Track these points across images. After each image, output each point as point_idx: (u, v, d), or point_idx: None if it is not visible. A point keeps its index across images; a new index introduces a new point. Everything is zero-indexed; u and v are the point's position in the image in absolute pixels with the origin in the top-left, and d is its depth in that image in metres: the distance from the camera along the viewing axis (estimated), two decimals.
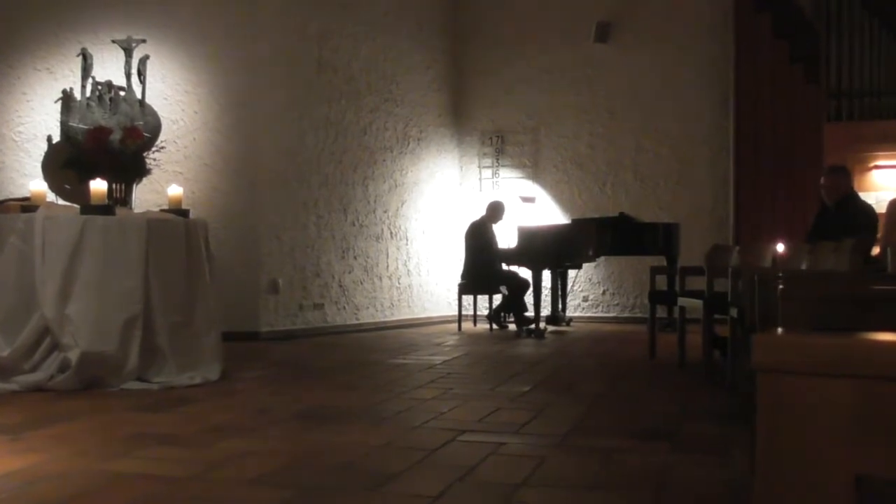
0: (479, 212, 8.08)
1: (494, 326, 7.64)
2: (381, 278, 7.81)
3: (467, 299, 8.46)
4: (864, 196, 5.42)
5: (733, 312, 3.83)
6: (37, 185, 4.29)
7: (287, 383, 4.14)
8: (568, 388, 3.98)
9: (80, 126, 5.55)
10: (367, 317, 7.60)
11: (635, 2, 8.46)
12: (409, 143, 8.33)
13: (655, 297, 5.28)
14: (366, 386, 4.02)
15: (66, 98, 5.66)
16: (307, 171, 6.97)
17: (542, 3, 8.74)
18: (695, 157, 8.24)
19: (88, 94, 5.69)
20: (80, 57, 5.79)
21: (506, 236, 8.22)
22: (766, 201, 7.83)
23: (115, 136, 5.43)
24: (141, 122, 5.72)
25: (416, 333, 7.18)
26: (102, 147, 5.28)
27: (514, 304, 7.53)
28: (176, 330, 4.04)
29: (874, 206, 5.21)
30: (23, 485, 2.17)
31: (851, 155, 7.80)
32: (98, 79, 5.78)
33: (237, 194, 6.48)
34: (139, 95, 5.87)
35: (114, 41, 6.00)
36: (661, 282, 6.06)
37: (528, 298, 7.39)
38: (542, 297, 7.63)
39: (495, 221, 7.81)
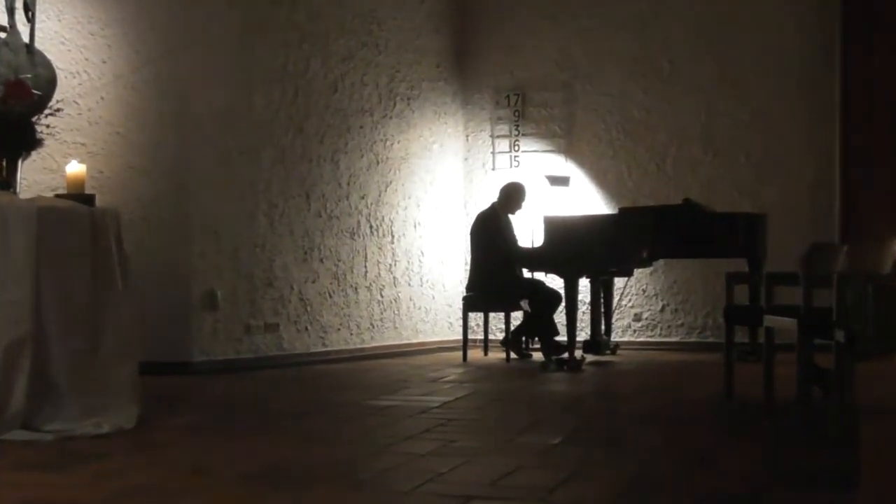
0: (490, 198, 8.08)
1: (513, 355, 7.65)
2: (357, 289, 7.82)
3: (475, 318, 8.45)
4: None
5: (839, 335, 3.83)
6: None
7: (229, 433, 4.14)
8: (613, 439, 3.99)
9: None
10: (337, 342, 7.61)
11: None
12: (395, 105, 8.34)
13: (733, 314, 5.28)
14: (337, 437, 4.03)
15: None
16: (256, 143, 6.97)
17: None
18: (787, 125, 8.24)
19: None
20: None
21: (528, 231, 8.22)
22: (884, 184, 7.82)
23: None
24: (29, 76, 5.71)
25: (406, 365, 7.18)
26: None
27: (539, 324, 7.52)
28: (77, 359, 4.04)
29: None
30: None
31: None
32: None
33: (161, 174, 6.49)
34: (26, 39, 5.87)
35: None
36: (742, 294, 6.05)
37: (560, 317, 7.39)
38: (579, 314, 7.63)
39: (512, 211, 7.82)
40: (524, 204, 7.87)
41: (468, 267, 8.13)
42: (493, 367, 7.18)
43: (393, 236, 8.24)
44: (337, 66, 7.70)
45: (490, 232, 7.63)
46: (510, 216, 7.83)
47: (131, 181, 6.44)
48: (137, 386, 4.24)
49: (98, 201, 4.50)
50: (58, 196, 4.56)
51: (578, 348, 7.15)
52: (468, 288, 7.81)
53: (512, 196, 7.80)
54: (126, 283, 4.28)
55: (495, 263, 7.51)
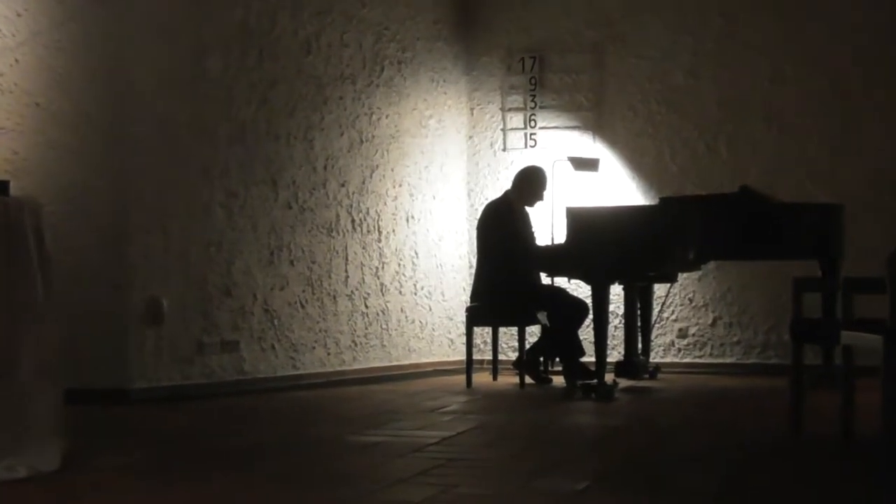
0: (502, 185, 8.06)
1: (528, 380, 7.64)
2: (335, 297, 7.81)
3: (482, 334, 8.43)
4: None
5: None
6: None
7: (175, 476, 4.12)
8: (653, 484, 3.98)
9: None
10: (312, 363, 7.60)
11: None
12: (383, 70, 8.33)
13: (803, 329, 5.27)
14: (309, 480, 4.02)
15: None
16: (210, 117, 6.96)
17: None
18: (869, 94, 8.23)
19: None
20: None
21: (548, 227, 8.21)
22: None
23: None
24: None
25: (397, 391, 7.18)
26: None
27: (561, 342, 7.51)
28: None
29: None
30: None
31: None
32: None
33: (91, 155, 6.48)
34: None
35: None
36: (813, 304, 6.04)
37: (586, 333, 7.38)
38: (611, 330, 7.60)
39: (529, 203, 7.81)
40: (544, 193, 7.85)
41: (473, 271, 8.11)
42: (504, 394, 7.17)
43: (380, 233, 8.23)
44: (310, 22, 7.68)
45: (501, 227, 7.62)
46: (527, 208, 7.82)
47: (54, 164, 6.42)
48: (62, 418, 4.22)
49: (13, 189, 4.48)
50: None
51: (610, 372, 7.14)
52: (473, 297, 7.80)
53: (529, 183, 7.78)
54: (48, 292, 4.26)
55: (507, 266, 7.50)
